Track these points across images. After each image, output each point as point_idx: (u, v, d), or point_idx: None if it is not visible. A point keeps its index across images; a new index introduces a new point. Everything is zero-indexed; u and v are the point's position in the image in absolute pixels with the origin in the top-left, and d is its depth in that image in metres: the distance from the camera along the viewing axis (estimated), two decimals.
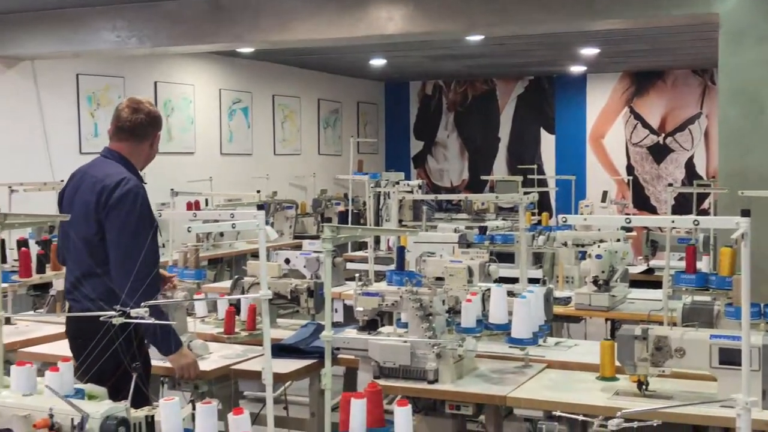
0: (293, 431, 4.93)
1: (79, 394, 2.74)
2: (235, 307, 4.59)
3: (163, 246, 7.22)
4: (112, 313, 2.65)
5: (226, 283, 6.43)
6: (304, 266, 5.99)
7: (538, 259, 6.97)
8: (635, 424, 2.46)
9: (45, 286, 5.51)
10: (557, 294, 5.45)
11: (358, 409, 2.61)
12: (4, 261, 6.01)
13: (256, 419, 3.97)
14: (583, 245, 6.13)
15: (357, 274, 4.25)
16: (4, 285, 4.93)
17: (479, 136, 14.12)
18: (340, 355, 4.09)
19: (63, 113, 8.74)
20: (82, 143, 8.85)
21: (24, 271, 5.43)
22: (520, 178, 9.80)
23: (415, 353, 3.80)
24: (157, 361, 3.90)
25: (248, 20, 7.07)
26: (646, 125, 13.06)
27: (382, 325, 4.59)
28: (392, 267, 5.63)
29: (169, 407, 2.48)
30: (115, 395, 2.82)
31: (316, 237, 8.60)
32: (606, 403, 3.43)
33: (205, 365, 4.12)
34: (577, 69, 12.81)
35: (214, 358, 4.27)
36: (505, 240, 6.38)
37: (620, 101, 13.22)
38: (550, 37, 9.06)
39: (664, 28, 8.28)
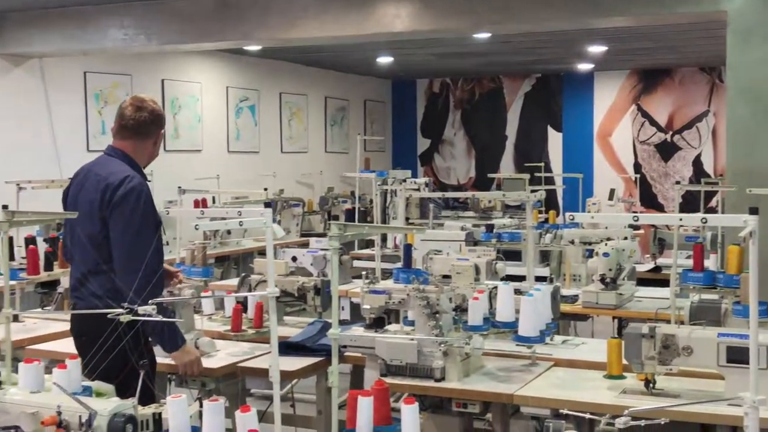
0: (300, 429, 4.94)
1: (87, 391, 2.75)
2: (242, 304, 4.59)
3: (167, 243, 7.24)
4: (120, 310, 2.66)
5: (233, 281, 6.44)
6: (311, 264, 5.99)
7: (545, 257, 6.96)
8: (642, 423, 2.46)
9: (53, 284, 5.53)
10: (564, 292, 5.45)
11: (365, 406, 2.61)
12: (12, 258, 6.02)
13: (263, 417, 3.98)
14: (590, 243, 6.13)
15: (364, 272, 4.26)
16: (12, 282, 4.95)
17: (486, 133, 14.10)
18: (346, 353, 4.09)
19: (70, 111, 8.75)
20: (89, 141, 8.86)
21: (32, 268, 5.45)
22: (527, 176, 9.77)
23: (422, 351, 3.80)
24: (164, 358, 3.91)
25: (255, 18, 7.08)
26: (653, 123, 13.03)
27: (389, 323, 4.58)
28: (399, 265, 5.64)
29: (176, 404, 2.48)
30: (122, 392, 2.83)
31: (323, 235, 8.61)
32: (613, 402, 3.43)
33: (212, 363, 4.13)
34: (584, 67, 12.79)
35: (221, 355, 4.28)
36: (512, 238, 6.37)
37: (628, 99, 13.19)
38: (558, 34, 9.04)
39: (671, 26, 8.25)
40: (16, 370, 2.73)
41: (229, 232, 8.37)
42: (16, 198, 6.52)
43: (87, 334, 3.65)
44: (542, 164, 11.58)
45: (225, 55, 10.70)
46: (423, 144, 14.63)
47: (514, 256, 6.53)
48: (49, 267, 5.45)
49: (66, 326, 4.61)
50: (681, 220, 3.15)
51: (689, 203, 9.68)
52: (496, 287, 4.10)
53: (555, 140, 13.68)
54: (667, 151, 12.97)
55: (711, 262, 5.37)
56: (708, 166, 12.72)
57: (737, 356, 3.29)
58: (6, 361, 2.72)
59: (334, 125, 13.18)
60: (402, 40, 8.59)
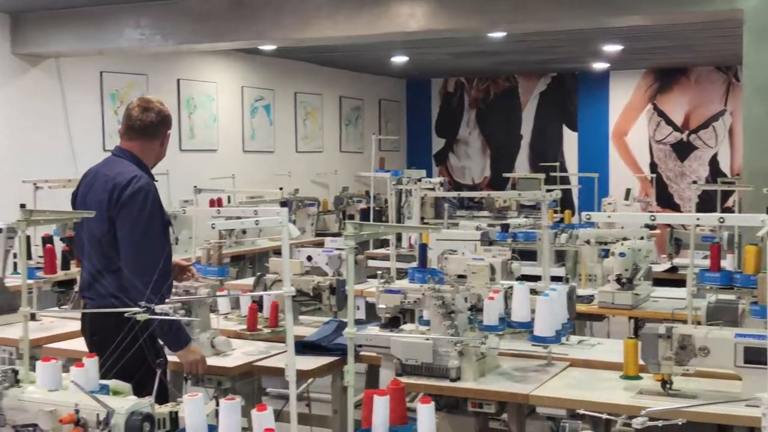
0: (316, 428, 4.95)
1: (104, 389, 2.76)
2: (258, 304, 4.60)
3: (176, 243, 7.26)
4: (137, 309, 2.67)
5: (249, 280, 6.45)
6: (326, 263, 5.99)
7: (560, 257, 6.94)
8: (660, 423, 2.44)
9: (69, 283, 5.55)
10: (580, 292, 5.43)
11: (381, 406, 2.61)
12: (30, 257, 6.06)
13: (279, 416, 3.98)
14: (606, 243, 6.10)
15: (379, 272, 4.25)
16: (30, 281, 4.98)
17: (501, 133, 14.08)
18: (362, 353, 4.09)
19: (87, 111, 8.79)
20: (105, 140, 8.90)
21: (49, 267, 5.48)
22: (542, 176, 9.76)
23: (438, 351, 3.79)
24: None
25: (270, 18, 7.09)
26: (669, 122, 12.98)
27: (404, 323, 4.58)
28: (414, 264, 5.64)
29: (193, 403, 2.49)
30: (136, 391, 2.84)
31: (338, 234, 8.61)
32: (629, 402, 3.41)
33: (227, 362, 4.14)
34: (599, 66, 12.75)
35: (237, 354, 4.29)
36: (528, 238, 6.36)
37: (643, 98, 13.14)
38: (573, 33, 9.02)
39: (687, 25, 8.22)
40: (33, 368, 2.74)
41: (244, 231, 8.39)
42: (33, 197, 6.58)
43: (99, 333, 3.68)
44: (557, 164, 11.55)
45: (240, 54, 10.72)
46: (438, 143, 14.62)
47: (529, 256, 6.52)
48: (66, 266, 5.47)
49: None
50: (698, 219, 3.14)
51: (705, 203, 9.60)
52: (511, 287, 4.09)
53: (570, 140, 13.64)
54: (683, 150, 12.92)
55: (728, 262, 5.34)
56: (724, 166, 12.65)
57: (754, 357, 3.27)
58: (24, 360, 2.74)
59: (348, 125, 13.19)
60: (417, 39, 8.58)
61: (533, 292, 4.07)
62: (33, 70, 8.25)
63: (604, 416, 2.74)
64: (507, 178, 13.12)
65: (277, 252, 7.65)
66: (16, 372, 2.69)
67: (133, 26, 7.54)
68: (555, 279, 4.88)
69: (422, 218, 8.22)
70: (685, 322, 4.14)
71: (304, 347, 4.32)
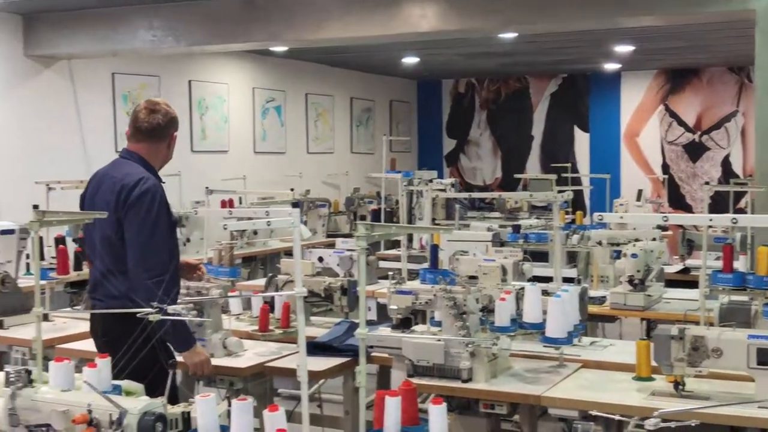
0: (327, 429, 4.95)
1: (117, 390, 2.77)
2: (270, 304, 4.61)
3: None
4: (149, 309, 2.68)
5: (260, 281, 6.46)
6: (338, 264, 6.00)
7: (572, 258, 6.92)
8: (673, 425, 2.44)
9: (82, 283, 5.58)
10: (592, 293, 5.42)
11: (393, 406, 2.61)
12: (42, 258, 6.09)
13: (291, 416, 3.99)
14: (617, 244, 6.08)
15: (390, 273, 4.25)
16: (42, 282, 5.00)
17: (512, 134, 14.06)
18: (373, 354, 4.08)
19: (99, 112, 8.83)
20: (117, 142, 8.92)
21: (61, 268, 5.51)
22: (554, 177, 9.73)
23: (449, 352, 3.79)
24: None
25: (282, 19, 7.11)
26: (681, 123, 12.94)
27: (416, 324, 4.58)
28: (425, 265, 5.63)
29: (205, 403, 2.50)
30: (146, 392, 2.85)
31: (349, 235, 8.63)
32: (642, 404, 3.40)
33: (239, 362, 4.15)
34: (611, 66, 12.72)
35: (249, 355, 4.29)
36: (539, 239, 6.34)
37: (655, 99, 13.10)
38: (584, 34, 9.00)
39: (699, 25, 8.19)
40: (46, 368, 2.75)
41: (255, 232, 8.41)
42: (45, 198, 6.60)
43: (108, 334, 3.70)
44: (569, 165, 11.52)
45: (251, 56, 10.74)
46: (449, 144, 14.61)
47: (540, 257, 6.50)
48: (78, 267, 5.51)
49: None
50: (711, 220, 3.13)
51: (718, 204, 9.58)
52: (523, 288, 4.08)
53: (582, 140, 13.61)
54: (695, 151, 12.88)
55: (740, 264, 5.31)
56: (737, 167, 12.61)
57: (767, 358, 3.26)
58: (37, 360, 2.75)
59: (359, 126, 13.20)
60: (428, 40, 8.58)
61: (545, 293, 4.06)
62: (46, 71, 8.29)
63: (617, 417, 2.73)
64: (518, 179, 13.10)
65: (289, 253, 7.66)
66: (29, 372, 2.70)
67: (146, 28, 7.57)
68: (566, 280, 4.87)
69: (433, 219, 8.21)
70: (697, 323, 4.11)
71: (315, 348, 4.33)
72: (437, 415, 2.58)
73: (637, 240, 5.85)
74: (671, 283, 6.25)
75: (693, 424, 2.63)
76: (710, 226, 6.05)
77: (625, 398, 3.50)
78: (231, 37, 7.42)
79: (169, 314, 2.60)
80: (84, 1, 7.43)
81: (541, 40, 9.73)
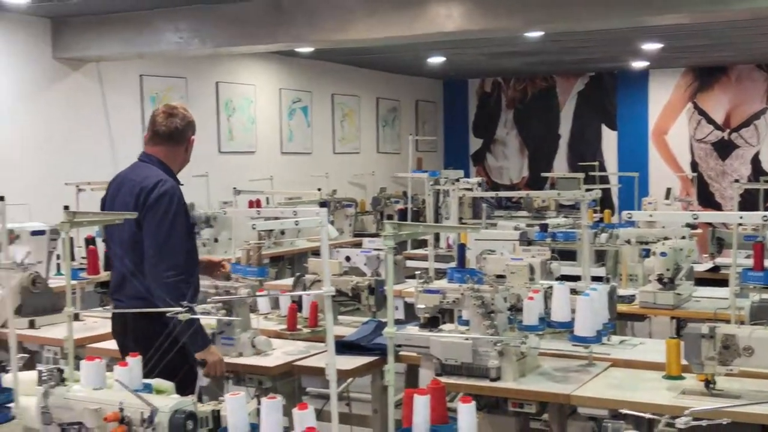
0: (356, 428, 4.96)
1: (147, 388, 2.79)
2: (298, 304, 4.62)
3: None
4: (179, 309, 2.70)
5: (288, 281, 6.48)
6: (365, 264, 6.01)
7: (600, 257, 6.89)
8: (704, 423, 2.42)
9: None
10: (621, 292, 5.39)
11: (422, 405, 2.61)
12: (73, 259, 6.14)
13: (319, 415, 4.00)
14: (646, 243, 6.04)
15: (417, 272, 4.25)
16: (73, 282, 5.04)
17: (539, 133, 14.01)
18: (401, 353, 4.09)
19: (127, 114, 8.89)
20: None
21: (92, 268, 5.56)
22: (581, 175, 9.69)
23: (477, 351, 3.78)
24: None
25: (307, 20, 7.13)
26: (710, 121, 12.83)
27: (444, 323, 4.58)
28: (452, 264, 5.63)
29: (235, 402, 2.51)
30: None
31: (376, 235, 8.63)
32: (672, 402, 3.37)
33: (268, 361, 4.17)
34: (638, 65, 12.63)
35: (277, 354, 4.31)
36: (567, 237, 6.32)
37: (683, 97, 13.00)
38: (611, 32, 8.95)
39: (727, 23, 8.12)
40: (78, 367, 2.78)
41: (282, 232, 8.43)
42: (75, 199, 6.66)
43: (131, 334, 3.75)
44: (596, 163, 11.46)
45: (277, 57, 10.78)
46: (475, 144, 14.58)
47: (568, 256, 6.47)
48: (108, 267, 5.53)
49: None
50: (742, 218, 3.10)
51: (747, 202, 9.49)
52: (551, 287, 4.07)
53: (609, 139, 13.53)
54: (724, 149, 12.76)
55: None
56: (766, 164, 12.48)
57: None
58: (69, 359, 2.77)
59: (385, 126, 13.20)
60: (453, 39, 8.57)
61: (573, 292, 4.04)
62: (74, 74, 8.37)
63: (648, 416, 2.71)
64: (545, 178, 13.04)
65: (316, 252, 7.68)
66: (61, 371, 2.73)
67: (172, 30, 7.61)
68: (595, 279, 4.84)
69: (460, 218, 8.20)
70: (728, 321, 4.08)
71: (343, 347, 4.34)
72: (466, 414, 2.57)
73: (666, 238, 5.80)
74: (701, 281, 6.20)
75: (724, 423, 2.61)
76: (740, 224, 6.00)
77: (656, 397, 3.48)
78: (256, 38, 7.45)
79: (195, 313, 2.62)
80: (111, 4, 7.49)
81: (567, 39, 9.68)
